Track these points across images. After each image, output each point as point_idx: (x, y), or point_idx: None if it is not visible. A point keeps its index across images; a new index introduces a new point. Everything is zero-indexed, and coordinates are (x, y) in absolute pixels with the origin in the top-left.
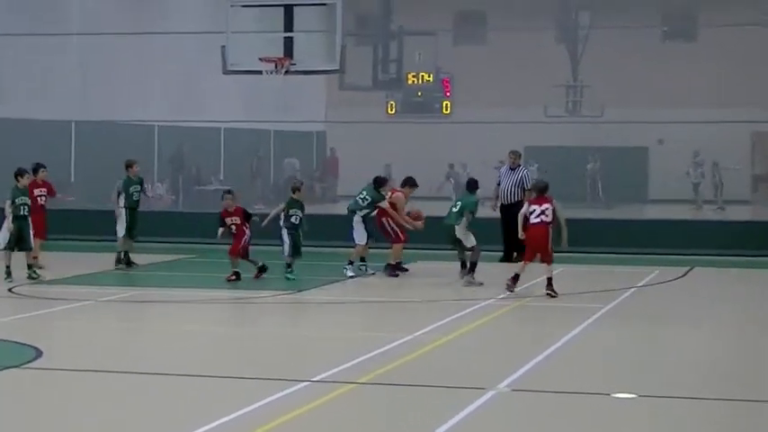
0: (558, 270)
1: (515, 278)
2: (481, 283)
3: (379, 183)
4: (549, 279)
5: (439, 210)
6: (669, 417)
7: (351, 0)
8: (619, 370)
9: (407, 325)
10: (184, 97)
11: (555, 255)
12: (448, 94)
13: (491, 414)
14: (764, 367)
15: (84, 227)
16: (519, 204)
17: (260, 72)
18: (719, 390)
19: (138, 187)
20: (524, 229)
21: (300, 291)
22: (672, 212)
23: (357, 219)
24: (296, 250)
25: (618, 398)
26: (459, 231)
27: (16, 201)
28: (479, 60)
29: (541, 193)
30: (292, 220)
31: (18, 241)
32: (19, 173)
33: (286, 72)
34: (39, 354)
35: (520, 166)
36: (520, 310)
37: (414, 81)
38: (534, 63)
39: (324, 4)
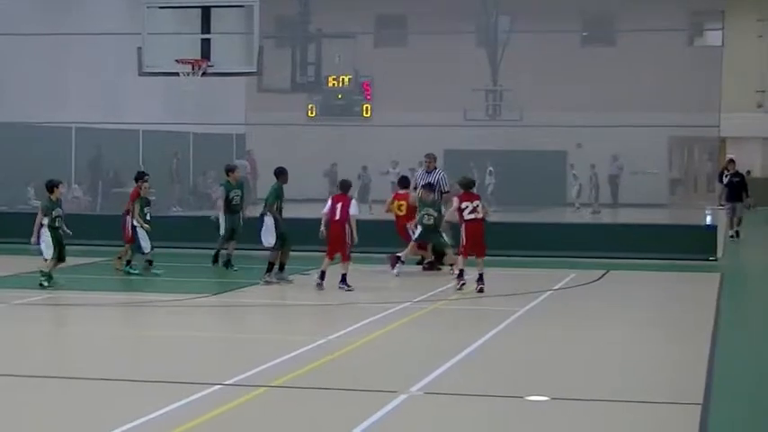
0: (476, 273)
1: (461, 273)
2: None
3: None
4: (481, 275)
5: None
6: (583, 419)
7: (269, 2)
8: (533, 373)
9: (322, 328)
10: (102, 99)
11: (473, 257)
12: (368, 97)
13: (403, 417)
14: (678, 369)
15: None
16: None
17: (177, 74)
18: (633, 392)
19: (239, 192)
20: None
21: (216, 294)
22: (590, 216)
23: None
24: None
25: (531, 400)
26: None
27: (53, 213)
28: (399, 63)
29: (468, 188)
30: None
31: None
32: (54, 185)
33: (203, 74)
34: None
35: (436, 168)
36: (435, 314)
37: (334, 84)
38: (454, 67)
39: (241, 6)
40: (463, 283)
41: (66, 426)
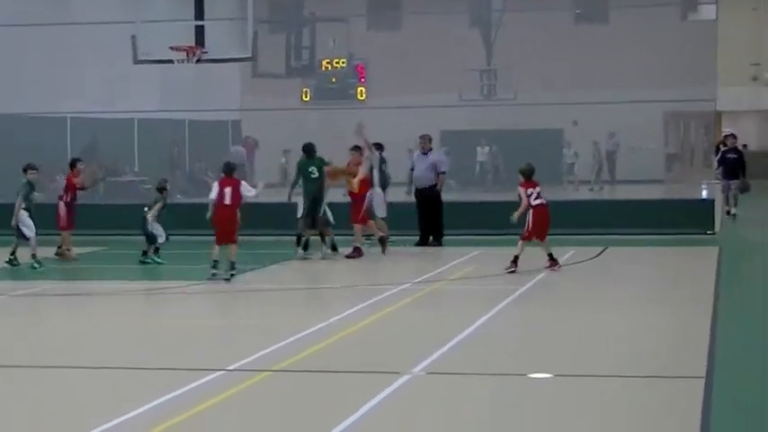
0: (474, 252)
1: (516, 260)
2: None
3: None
4: (551, 254)
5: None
6: (586, 395)
7: None
8: (535, 350)
9: (322, 311)
10: (97, 88)
11: (474, 237)
12: (363, 80)
13: (406, 398)
14: (680, 343)
15: None
16: (433, 188)
17: (171, 61)
18: (636, 367)
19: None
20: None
21: (210, 279)
22: (587, 193)
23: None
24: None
25: (534, 378)
26: None
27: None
28: (393, 45)
29: (530, 176)
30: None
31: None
32: (24, 169)
33: (198, 60)
34: None
35: (431, 149)
36: (435, 294)
37: (328, 67)
38: (448, 47)
39: None
40: (513, 270)
41: (70, 414)
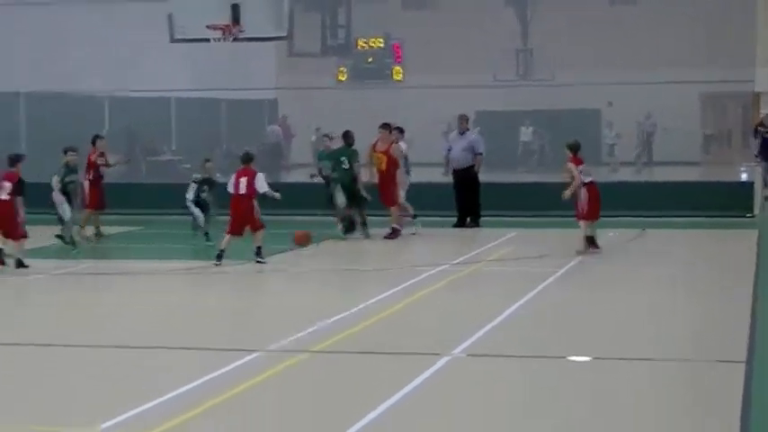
0: (511, 234)
1: (590, 240)
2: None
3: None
4: (594, 237)
5: None
6: (625, 378)
7: None
8: (574, 333)
9: (360, 293)
10: (134, 67)
11: (510, 218)
12: (399, 59)
13: (446, 380)
14: (719, 327)
15: (34, 200)
16: (470, 169)
17: (207, 40)
18: (675, 351)
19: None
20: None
21: (251, 260)
22: (626, 174)
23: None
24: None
25: (573, 360)
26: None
27: (65, 178)
28: (429, 25)
29: (577, 152)
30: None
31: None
32: (65, 151)
33: (234, 39)
34: None
35: (468, 130)
36: (473, 276)
37: (364, 47)
38: (484, 27)
39: None
40: (595, 250)
41: (107, 394)
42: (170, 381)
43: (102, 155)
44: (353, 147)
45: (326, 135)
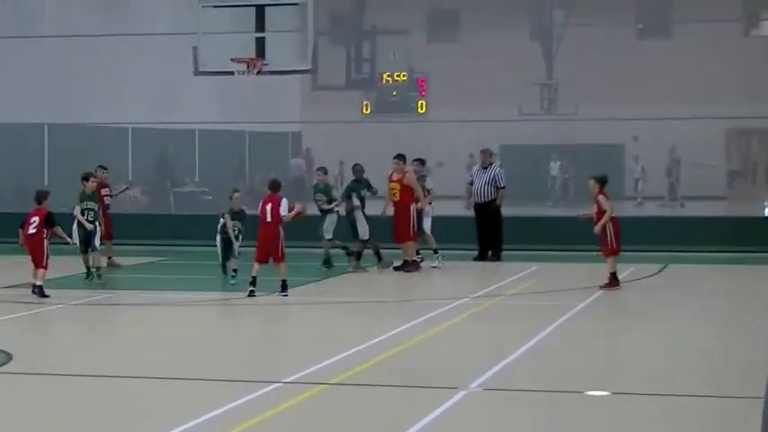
0: (532, 268)
1: (614, 275)
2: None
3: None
4: (615, 273)
5: None
6: (644, 414)
7: None
8: (592, 368)
9: (380, 325)
10: (158, 99)
11: (531, 252)
12: (423, 93)
13: (462, 414)
14: (739, 363)
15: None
16: (492, 203)
17: (232, 73)
18: (694, 386)
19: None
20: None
21: (273, 292)
22: (651, 209)
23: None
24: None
25: (591, 395)
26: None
27: (83, 205)
28: (453, 59)
29: (605, 184)
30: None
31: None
32: (85, 177)
33: (258, 72)
34: (9, 358)
35: (492, 164)
36: (493, 310)
37: (388, 80)
38: (509, 61)
39: (295, 4)
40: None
41: (122, 425)
42: (186, 412)
43: (104, 186)
44: (359, 180)
45: (320, 169)
